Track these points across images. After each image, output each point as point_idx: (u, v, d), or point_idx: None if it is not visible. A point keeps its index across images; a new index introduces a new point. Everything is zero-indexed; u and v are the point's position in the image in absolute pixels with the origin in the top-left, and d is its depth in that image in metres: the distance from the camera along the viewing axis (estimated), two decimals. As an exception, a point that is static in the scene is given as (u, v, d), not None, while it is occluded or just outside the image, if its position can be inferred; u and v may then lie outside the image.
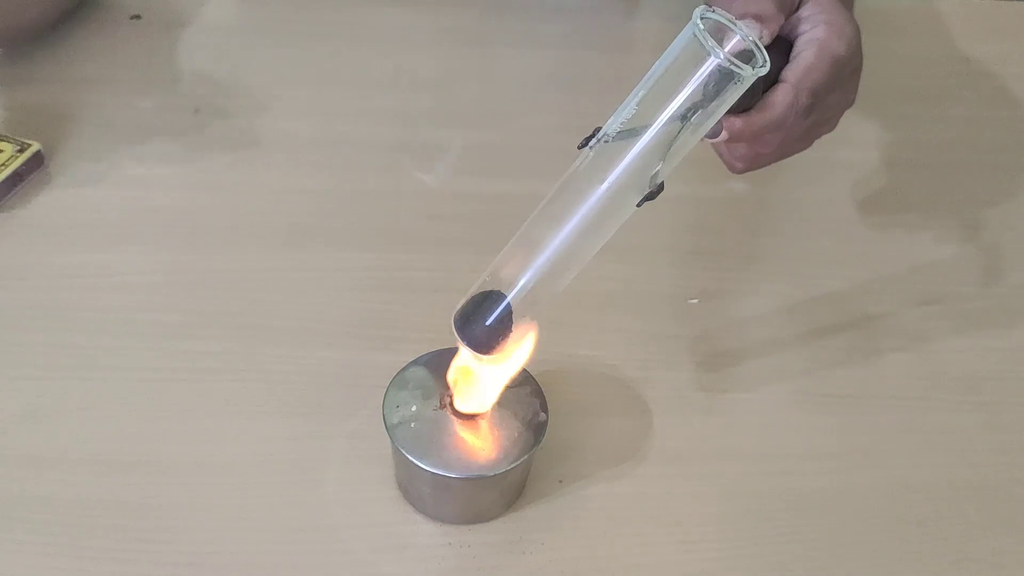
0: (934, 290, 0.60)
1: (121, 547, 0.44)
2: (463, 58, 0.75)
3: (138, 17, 0.76)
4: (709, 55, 0.35)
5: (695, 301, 0.58)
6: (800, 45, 0.44)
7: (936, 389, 0.54)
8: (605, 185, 0.37)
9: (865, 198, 0.66)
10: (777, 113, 0.42)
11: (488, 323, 0.39)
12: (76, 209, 0.60)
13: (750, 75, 0.35)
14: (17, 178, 0.60)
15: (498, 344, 0.40)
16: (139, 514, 0.45)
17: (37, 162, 0.61)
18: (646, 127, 0.36)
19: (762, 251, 0.62)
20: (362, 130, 0.68)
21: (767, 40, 0.42)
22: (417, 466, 0.42)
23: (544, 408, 0.45)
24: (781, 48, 0.44)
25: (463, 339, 0.40)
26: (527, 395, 0.45)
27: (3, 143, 0.61)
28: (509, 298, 0.39)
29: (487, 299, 0.39)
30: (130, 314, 0.54)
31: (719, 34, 0.36)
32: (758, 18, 0.42)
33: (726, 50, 0.35)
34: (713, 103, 0.36)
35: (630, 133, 0.37)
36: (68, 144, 0.64)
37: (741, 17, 0.39)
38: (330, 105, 0.70)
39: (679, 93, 0.36)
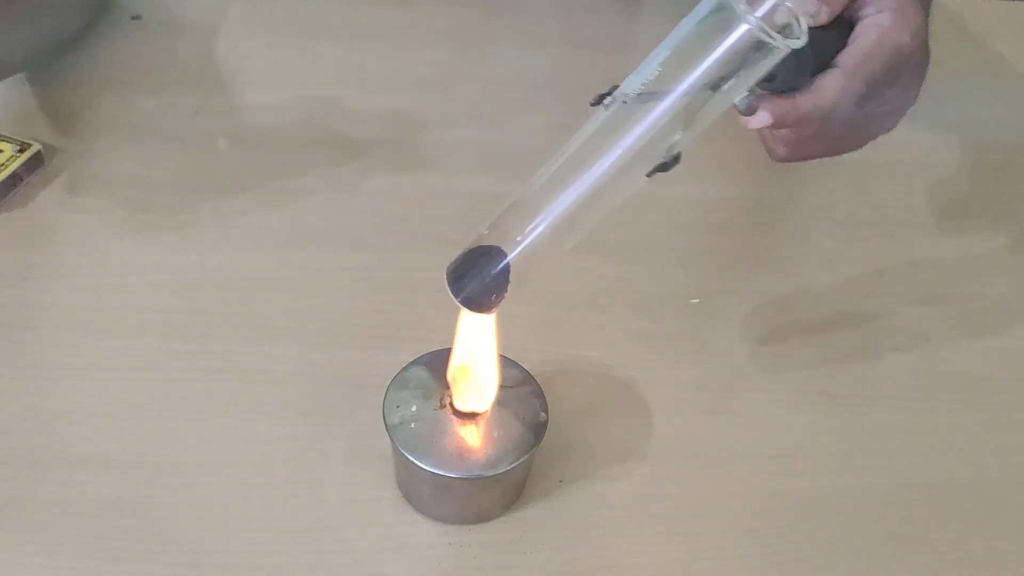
0: (934, 289, 0.60)
1: (121, 547, 0.44)
2: (462, 58, 0.75)
3: (139, 17, 0.76)
4: (740, 19, 0.32)
5: (696, 301, 0.57)
6: (861, 29, 0.40)
7: (936, 389, 0.54)
8: (619, 150, 0.34)
9: (864, 198, 0.66)
10: (826, 99, 0.39)
11: (484, 280, 0.37)
12: (76, 209, 0.60)
13: (782, 46, 0.32)
14: (17, 178, 0.60)
15: (492, 302, 0.38)
16: (139, 514, 0.45)
17: (37, 162, 0.61)
18: (668, 92, 0.33)
19: (762, 251, 0.62)
20: (362, 129, 0.67)
21: (825, 19, 0.38)
22: (417, 466, 0.42)
23: (544, 408, 0.44)
24: (841, 29, 0.40)
25: (455, 294, 0.38)
26: (527, 395, 0.45)
27: (3, 143, 0.61)
28: (511, 257, 0.36)
29: (484, 254, 0.37)
30: (130, 314, 0.54)
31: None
32: None
33: (758, 15, 0.32)
34: (740, 74, 0.33)
35: (650, 96, 0.34)
36: (68, 144, 0.64)
37: None
38: (330, 105, 0.70)
39: (705, 60, 0.33)
